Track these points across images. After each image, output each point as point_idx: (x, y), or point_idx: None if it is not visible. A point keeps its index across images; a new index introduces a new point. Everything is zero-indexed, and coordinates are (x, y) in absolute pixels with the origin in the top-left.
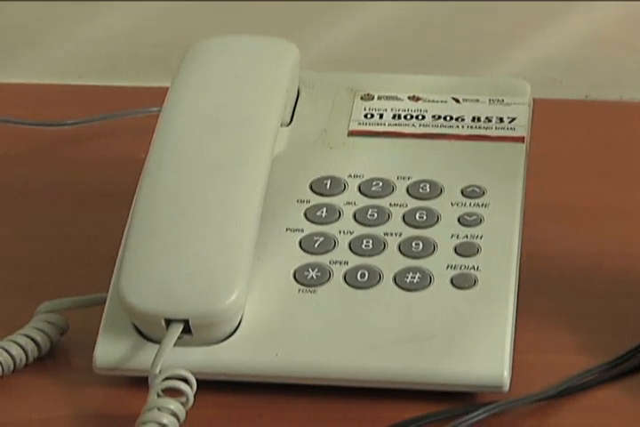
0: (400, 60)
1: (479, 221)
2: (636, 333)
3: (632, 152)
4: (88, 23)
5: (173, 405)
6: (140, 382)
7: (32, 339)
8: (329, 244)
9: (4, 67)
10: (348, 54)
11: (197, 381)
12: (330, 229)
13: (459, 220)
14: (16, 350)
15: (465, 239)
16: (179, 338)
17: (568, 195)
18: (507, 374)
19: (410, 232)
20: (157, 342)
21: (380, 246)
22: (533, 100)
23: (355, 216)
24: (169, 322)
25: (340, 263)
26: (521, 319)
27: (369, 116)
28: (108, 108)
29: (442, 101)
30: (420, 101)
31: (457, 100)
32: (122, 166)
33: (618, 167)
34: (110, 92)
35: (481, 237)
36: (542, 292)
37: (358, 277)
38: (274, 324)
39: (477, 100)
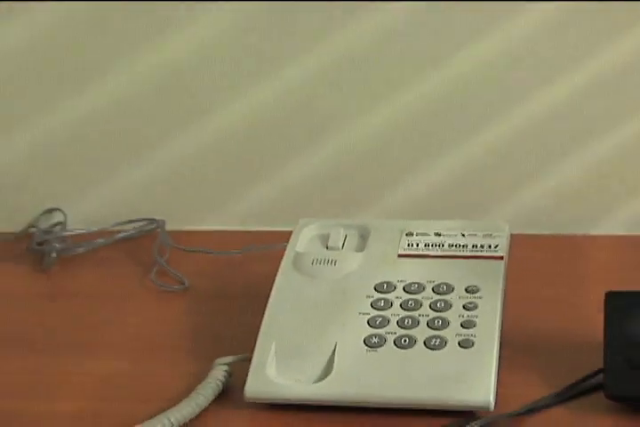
0: (434, 213)
1: (476, 306)
2: (574, 375)
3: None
4: None
5: None
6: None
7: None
8: (385, 322)
9: None
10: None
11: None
12: (386, 313)
13: (463, 306)
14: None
15: (467, 318)
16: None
17: (536, 290)
18: (492, 399)
19: (433, 314)
20: None
21: (415, 323)
22: (511, 234)
23: (401, 305)
24: None
25: (392, 333)
26: (502, 368)
27: (411, 245)
28: None
29: (454, 235)
30: (441, 236)
31: (463, 235)
32: None
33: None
34: None
35: (477, 317)
36: (517, 350)
37: (402, 342)
38: (353, 371)
39: (475, 235)
